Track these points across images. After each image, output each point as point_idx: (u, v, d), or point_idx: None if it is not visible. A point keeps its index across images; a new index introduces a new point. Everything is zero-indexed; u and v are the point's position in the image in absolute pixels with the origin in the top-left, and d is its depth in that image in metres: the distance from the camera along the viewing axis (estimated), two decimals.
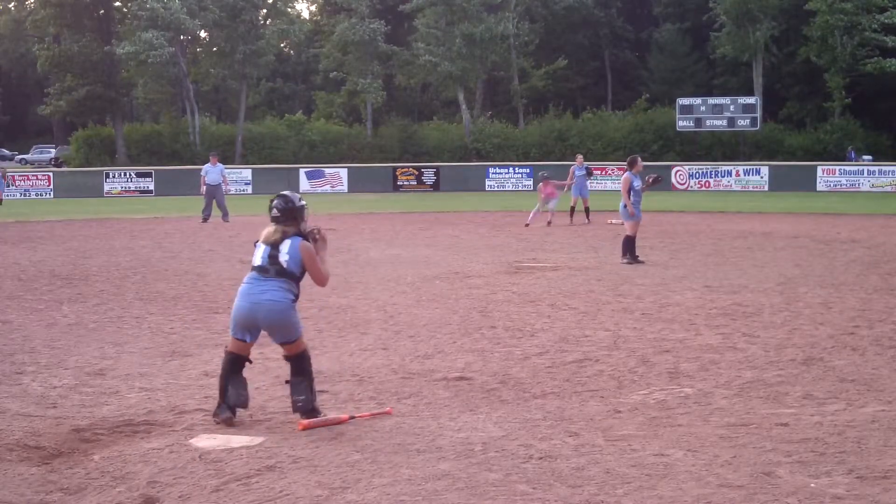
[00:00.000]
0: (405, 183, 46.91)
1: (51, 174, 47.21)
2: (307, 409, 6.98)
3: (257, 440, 6.57)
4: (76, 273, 16.18)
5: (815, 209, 31.00)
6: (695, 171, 45.12)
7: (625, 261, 16.59)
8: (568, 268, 16.29)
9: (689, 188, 44.39)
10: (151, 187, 45.05)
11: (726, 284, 13.98)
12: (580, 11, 62.62)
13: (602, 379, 8.37)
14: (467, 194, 42.77)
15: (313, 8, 76.88)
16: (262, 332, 7.15)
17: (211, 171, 27.38)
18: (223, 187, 27.70)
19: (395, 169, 48.06)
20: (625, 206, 16.75)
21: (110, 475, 5.94)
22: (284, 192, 7.25)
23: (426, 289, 13.99)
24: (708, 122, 48.75)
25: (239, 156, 53.40)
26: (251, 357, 7.27)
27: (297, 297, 7.04)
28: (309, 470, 5.91)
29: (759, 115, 48.68)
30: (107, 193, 44.25)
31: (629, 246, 16.72)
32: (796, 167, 45.30)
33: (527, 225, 24.90)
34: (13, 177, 44.29)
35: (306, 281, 7.18)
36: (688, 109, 48.88)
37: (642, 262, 16.59)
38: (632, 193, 16.64)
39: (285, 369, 7.35)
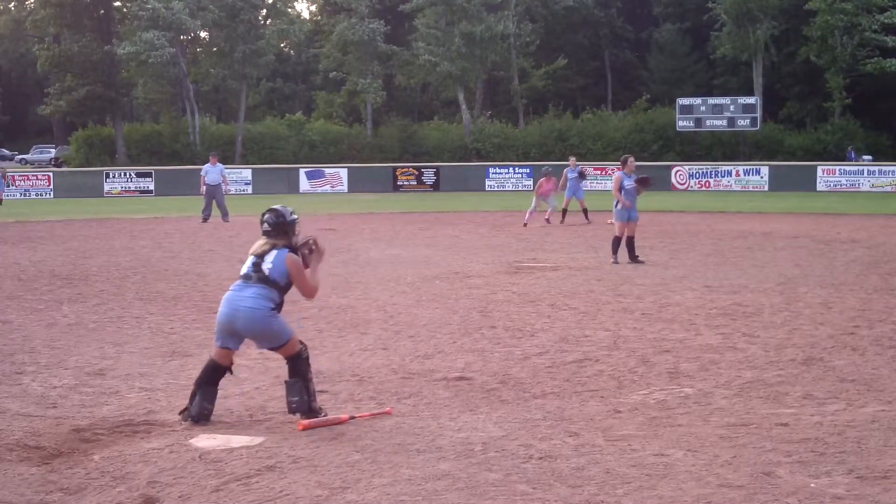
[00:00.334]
0: (405, 183, 46.90)
1: (51, 174, 47.20)
2: (302, 409, 6.99)
3: (257, 440, 6.57)
4: (76, 273, 16.18)
5: (815, 209, 30.99)
6: (695, 171, 45.12)
7: (612, 260, 16.68)
8: (568, 268, 16.29)
9: (689, 188, 44.38)
10: (151, 187, 45.05)
11: (726, 284, 13.98)
12: (580, 11, 62.61)
13: (602, 379, 8.37)
14: (467, 194, 42.76)
15: (313, 8, 76.93)
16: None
17: (211, 172, 27.39)
18: (223, 187, 27.72)
19: (395, 169, 48.05)
20: (617, 205, 16.88)
21: (110, 475, 5.94)
22: (275, 207, 7.27)
23: (426, 289, 13.99)
24: (708, 122, 48.74)
25: (239, 156, 53.40)
26: (232, 368, 7.29)
27: (278, 305, 7.04)
28: (309, 470, 5.90)
29: (759, 115, 48.67)
30: (107, 193, 44.24)
31: (615, 245, 16.92)
32: (796, 167, 45.30)
33: (525, 225, 24.92)
34: (13, 177, 44.26)
35: None
36: (688, 109, 48.87)
37: (642, 262, 16.60)
38: (623, 193, 16.75)
39: (285, 370, 7.35)
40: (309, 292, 7.20)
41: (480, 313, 11.82)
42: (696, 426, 6.85)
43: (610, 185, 20.89)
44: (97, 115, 59.89)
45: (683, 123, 49.12)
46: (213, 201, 27.23)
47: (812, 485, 5.56)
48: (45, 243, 21.57)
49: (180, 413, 7.13)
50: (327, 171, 47.37)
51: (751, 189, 43.55)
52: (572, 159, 27.77)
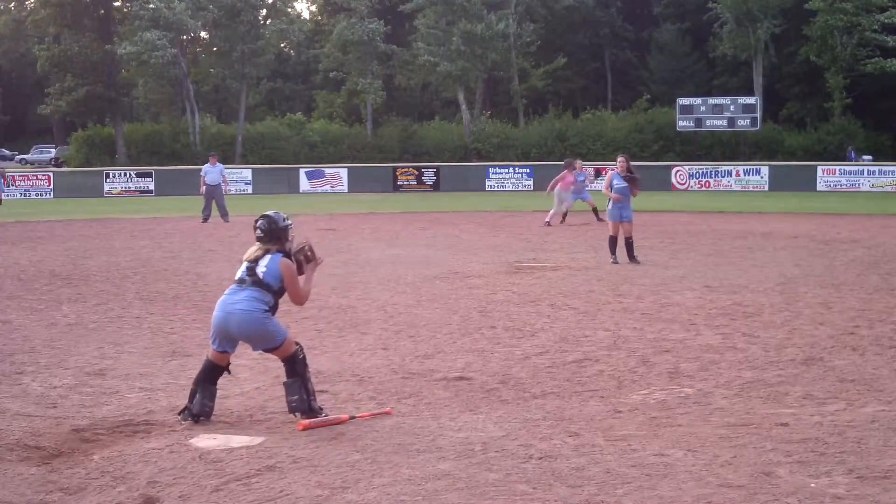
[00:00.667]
0: (405, 183, 46.89)
1: (51, 174, 47.18)
2: (301, 408, 7.02)
3: (257, 440, 6.57)
4: (76, 273, 16.18)
5: (815, 209, 30.98)
6: (695, 171, 45.10)
7: (612, 260, 16.75)
8: (568, 268, 16.29)
9: (689, 188, 44.36)
10: (151, 187, 45.03)
11: (726, 284, 13.98)
12: (580, 11, 62.58)
13: (602, 379, 8.37)
14: (467, 194, 42.75)
15: (313, 8, 76.86)
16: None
17: (211, 172, 27.39)
18: (223, 187, 27.72)
19: (395, 169, 48.03)
20: (609, 204, 17.12)
21: (110, 475, 5.94)
22: (268, 213, 7.33)
23: (426, 289, 13.98)
24: (708, 122, 48.71)
25: (239, 156, 53.38)
26: (230, 369, 7.34)
27: (272, 308, 7.09)
28: (309, 470, 5.91)
29: (759, 115, 48.65)
30: (107, 193, 44.23)
31: (612, 245, 17.04)
32: (796, 167, 45.29)
33: (548, 223, 24.83)
34: (13, 177, 44.24)
35: None
36: (688, 109, 48.84)
37: (639, 263, 16.61)
38: (613, 191, 16.96)
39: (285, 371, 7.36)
40: (299, 299, 7.27)
41: (480, 313, 11.82)
42: (696, 426, 6.85)
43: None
44: (97, 115, 59.90)
45: (683, 123, 49.11)
46: (213, 201, 27.24)
47: (812, 485, 5.56)
48: (45, 243, 21.57)
49: (179, 413, 7.14)
50: (327, 171, 47.35)
51: (751, 189, 43.54)
52: (578, 162, 27.61)
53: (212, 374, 7.18)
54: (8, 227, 26.63)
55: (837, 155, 49.50)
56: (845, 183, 42.70)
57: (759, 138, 51.63)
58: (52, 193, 44.10)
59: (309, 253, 7.26)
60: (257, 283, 7.05)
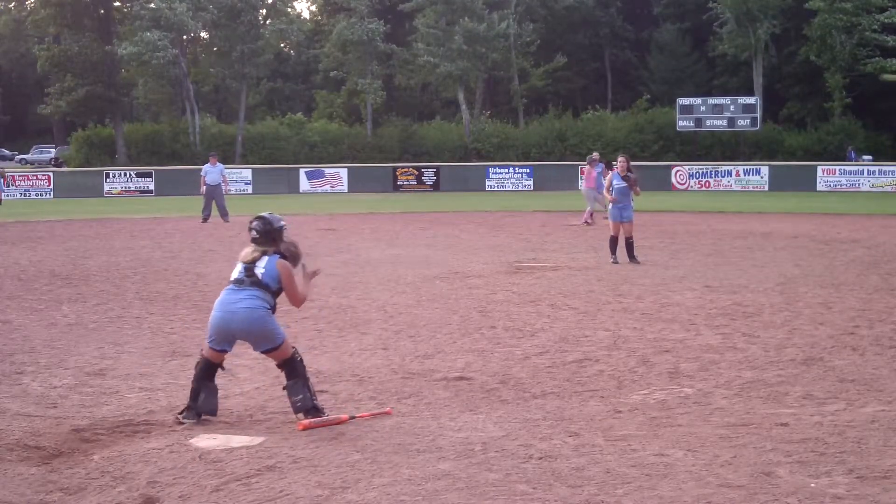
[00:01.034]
0: (405, 183, 46.90)
1: (51, 174, 47.20)
2: (307, 407, 7.02)
3: (257, 440, 6.57)
4: (76, 273, 16.18)
5: (815, 209, 30.98)
6: (695, 171, 45.12)
7: (612, 260, 16.77)
8: (568, 268, 16.29)
9: (689, 188, 44.38)
10: (151, 187, 45.05)
11: (726, 284, 13.98)
12: (580, 11, 62.58)
13: (602, 379, 8.37)
14: (467, 194, 42.76)
15: (313, 8, 76.86)
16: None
17: (211, 172, 27.41)
18: (223, 187, 27.74)
19: (395, 169, 48.05)
20: (608, 204, 17.36)
21: (110, 475, 5.94)
22: (263, 214, 7.37)
23: (426, 289, 13.98)
24: (708, 122, 48.73)
25: (239, 156, 53.39)
26: (225, 366, 7.39)
27: (272, 308, 7.13)
28: (309, 470, 5.90)
29: (759, 115, 48.66)
30: (107, 193, 44.25)
31: (612, 245, 17.11)
32: (796, 167, 45.31)
33: (587, 223, 24.87)
34: (13, 177, 44.25)
35: None
36: (688, 109, 48.87)
37: (639, 263, 16.61)
38: (614, 192, 17.07)
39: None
40: (297, 300, 7.32)
41: (480, 313, 11.82)
42: (696, 426, 6.85)
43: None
44: (97, 115, 59.88)
45: (683, 123, 49.12)
46: (213, 201, 27.24)
47: (812, 485, 5.56)
48: (45, 243, 21.57)
49: (178, 414, 7.13)
50: (327, 171, 47.38)
51: (751, 189, 43.55)
52: (596, 155, 27.41)
53: (209, 371, 7.22)
54: (8, 227, 26.63)
55: (837, 155, 49.51)
56: (845, 183, 42.72)
57: (759, 138, 51.64)
58: (52, 193, 44.11)
59: (293, 249, 7.32)
60: (256, 283, 7.07)
